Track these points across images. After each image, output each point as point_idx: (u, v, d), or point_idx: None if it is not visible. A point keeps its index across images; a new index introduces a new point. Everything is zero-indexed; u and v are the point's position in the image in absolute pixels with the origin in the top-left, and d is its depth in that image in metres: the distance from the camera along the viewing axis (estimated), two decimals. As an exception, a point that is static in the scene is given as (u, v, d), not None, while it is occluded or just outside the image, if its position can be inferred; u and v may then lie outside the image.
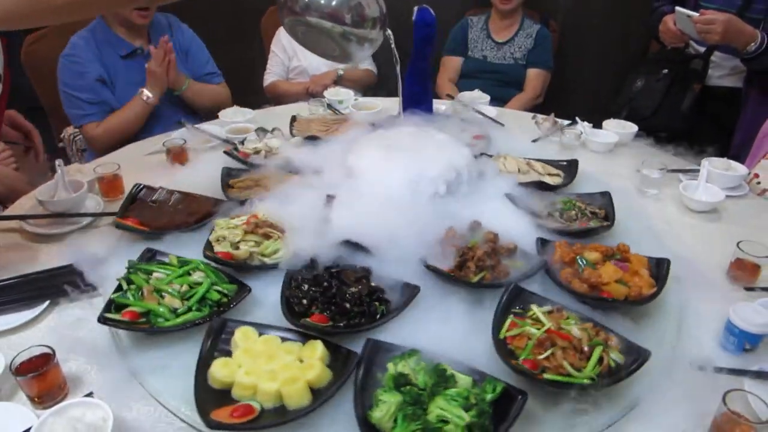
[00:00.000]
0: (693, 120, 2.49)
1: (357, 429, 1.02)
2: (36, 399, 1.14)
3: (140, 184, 1.80)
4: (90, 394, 1.14)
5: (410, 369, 1.11)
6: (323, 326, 1.24)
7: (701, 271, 1.56)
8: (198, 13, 3.03)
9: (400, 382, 1.09)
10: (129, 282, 1.35)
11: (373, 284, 1.37)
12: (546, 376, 1.14)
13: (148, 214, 1.67)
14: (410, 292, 1.34)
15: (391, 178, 1.67)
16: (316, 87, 3.17)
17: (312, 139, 2.13)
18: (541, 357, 1.16)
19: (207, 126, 2.43)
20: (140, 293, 1.31)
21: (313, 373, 1.10)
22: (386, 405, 1.03)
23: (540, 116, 2.52)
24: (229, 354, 1.17)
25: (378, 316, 1.29)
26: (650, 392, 1.17)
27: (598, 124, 2.41)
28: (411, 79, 2.20)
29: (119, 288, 1.34)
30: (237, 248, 1.47)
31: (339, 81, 3.23)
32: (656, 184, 1.98)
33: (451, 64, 3.43)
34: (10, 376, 1.13)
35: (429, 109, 2.28)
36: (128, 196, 1.76)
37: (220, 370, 1.10)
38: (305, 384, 1.09)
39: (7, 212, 1.82)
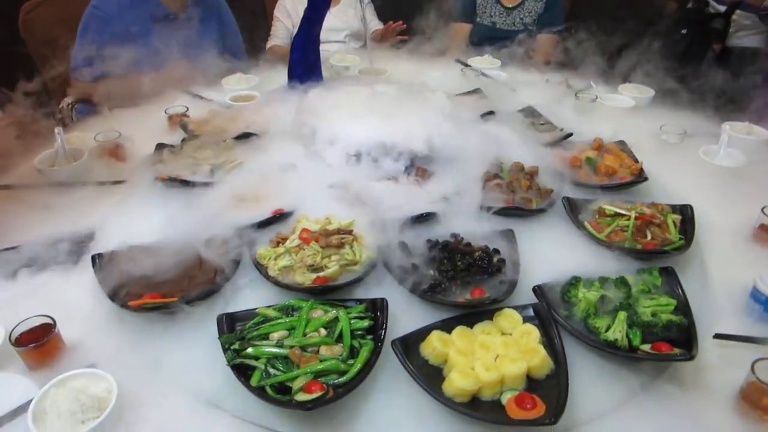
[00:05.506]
0: (713, 82, 2.40)
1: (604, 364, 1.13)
2: (37, 370, 1.10)
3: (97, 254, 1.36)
4: (93, 365, 1.10)
5: (596, 291, 1.21)
6: (489, 297, 1.23)
7: (724, 237, 1.52)
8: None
9: (603, 303, 1.19)
10: (249, 357, 1.09)
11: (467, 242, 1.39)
12: (666, 248, 1.37)
13: (149, 281, 1.28)
14: (509, 236, 1.41)
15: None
16: None
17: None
18: (648, 239, 1.40)
19: (210, 93, 2.36)
20: (286, 362, 1.07)
21: (535, 336, 1.13)
22: (617, 325, 1.13)
23: (552, 78, 2.45)
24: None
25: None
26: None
27: (613, 88, 2.33)
28: (303, 46, 2.09)
29: (241, 371, 1.06)
30: (323, 268, 1.30)
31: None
32: (676, 149, 1.91)
33: (460, 30, 3.32)
34: (9, 346, 1.09)
35: (320, 76, 2.22)
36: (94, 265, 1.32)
37: (461, 381, 1.02)
38: (543, 351, 1.08)
39: (5, 181, 1.78)
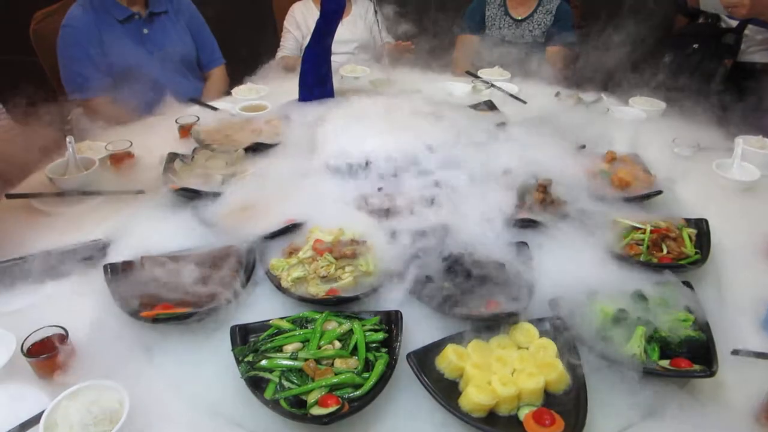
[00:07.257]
0: (725, 96, 2.40)
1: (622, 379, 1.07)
2: (49, 381, 1.09)
3: (109, 264, 1.35)
4: (105, 377, 1.09)
5: (613, 305, 1.19)
6: (505, 310, 1.21)
7: (739, 251, 1.50)
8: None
9: (621, 317, 1.16)
10: (263, 370, 1.07)
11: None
12: (682, 262, 1.36)
13: (162, 291, 1.26)
14: (523, 249, 1.39)
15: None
16: None
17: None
18: (664, 253, 1.39)
19: (220, 103, 2.37)
20: (300, 375, 1.06)
21: (552, 350, 1.11)
22: (635, 340, 1.11)
23: (563, 91, 2.44)
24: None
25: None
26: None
27: (624, 101, 2.32)
28: (315, 57, 2.06)
29: (255, 384, 1.05)
30: (336, 280, 1.29)
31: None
32: (689, 162, 1.90)
33: (468, 42, 3.32)
34: (21, 357, 1.09)
35: (331, 91, 2.20)
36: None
37: (478, 395, 1.00)
38: (561, 365, 1.07)
39: (17, 190, 1.77)
